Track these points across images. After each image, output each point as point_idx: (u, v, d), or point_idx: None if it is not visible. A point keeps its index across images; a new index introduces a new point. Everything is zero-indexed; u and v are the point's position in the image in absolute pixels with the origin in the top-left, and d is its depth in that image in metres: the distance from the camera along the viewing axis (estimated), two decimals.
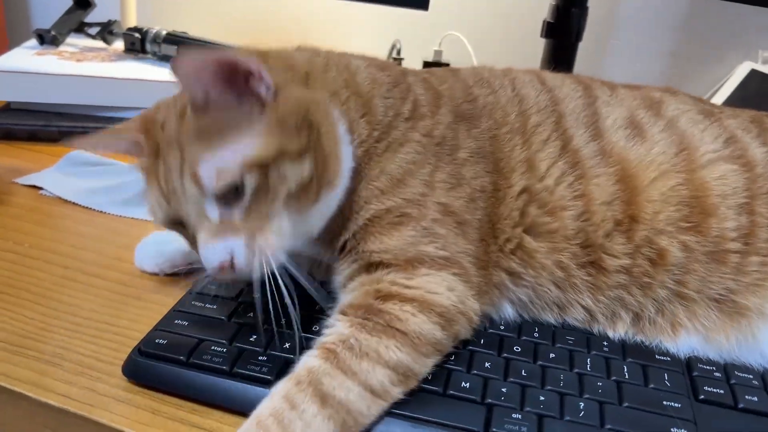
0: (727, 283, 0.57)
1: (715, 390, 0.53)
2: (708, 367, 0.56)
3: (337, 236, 0.57)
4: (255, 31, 1.35)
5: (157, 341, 0.53)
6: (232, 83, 0.50)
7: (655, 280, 0.58)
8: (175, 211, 0.53)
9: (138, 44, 1.12)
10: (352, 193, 0.56)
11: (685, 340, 0.58)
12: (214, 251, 0.50)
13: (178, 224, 0.54)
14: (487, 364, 0.54)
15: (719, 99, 1.11)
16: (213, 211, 0.50)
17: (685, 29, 1.20)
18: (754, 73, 1.10)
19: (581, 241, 0.58)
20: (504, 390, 0.51)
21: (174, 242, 0.63)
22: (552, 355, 0.55)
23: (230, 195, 0.50)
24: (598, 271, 0.58)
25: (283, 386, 0.47)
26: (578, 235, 0.58)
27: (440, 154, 0.58)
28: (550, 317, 0.60)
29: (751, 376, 0.55)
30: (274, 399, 0.46)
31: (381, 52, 1.28)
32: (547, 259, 0.58)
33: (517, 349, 0.56)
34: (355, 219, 0.56)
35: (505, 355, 0.55)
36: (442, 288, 0.53)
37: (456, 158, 0.58)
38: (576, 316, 0.60)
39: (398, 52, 1.26)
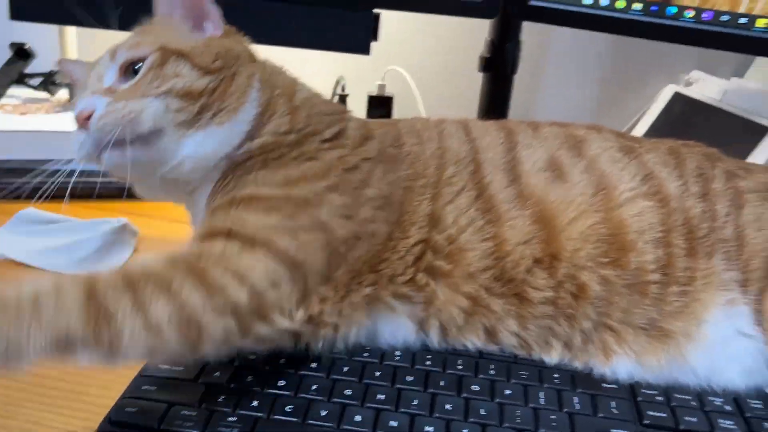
0: (649, 313, 0.61)
1: (658, 414, 0.58)
2: (651, 392, 0.60)
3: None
4: None
5: (126, 409, 0.54)
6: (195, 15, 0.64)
7: (578, 312, 0.61)
8: (86, 84, 0.61)
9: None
10: (234, 168, 0.60)
11: (619, 365, 0.62)
12: (80, 102, 0.57)
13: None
14: (448, 406, 0.57)
15: (647, 121, 1.18)
16: (108, 79, 0.59)
17: (612, 56, 1.27)
18: (677, 96, 1.17)
19: (496, 276, 0.61)
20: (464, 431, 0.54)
21: None
22: (508, 392, 0.59)
23: (130, 74, 0.59)
24: (522, 302, 0.62)
25: (64, 276, 0.49)
26: (489, 270, 0.61)
27: (346, 181, 0.61)
28: (478, 342, 0.63)
29: (689, 398, 0.60)
30: (45, 283, 0.48)
31: (326, 89, 1.31)
32: (443, 292, 0.61)
33: (475, 387, 0.59)
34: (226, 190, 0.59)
35: (464, 395, 0.58)
36: (261, 272, 0.53)
37: (361, 194, 0.61)
38: (509, 342, 0.63)
39: (342, 89, 1.29)
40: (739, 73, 1.19)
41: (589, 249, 0.62)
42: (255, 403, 0.55)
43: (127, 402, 0.55)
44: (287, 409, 0.54)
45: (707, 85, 1.15)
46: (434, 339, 0.64)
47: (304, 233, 0.57)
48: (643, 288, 0.61)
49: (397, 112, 1.34)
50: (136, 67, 0.59)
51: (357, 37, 0.96)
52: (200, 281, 0.50)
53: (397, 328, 0.63)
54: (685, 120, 1.13)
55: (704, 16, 0.82)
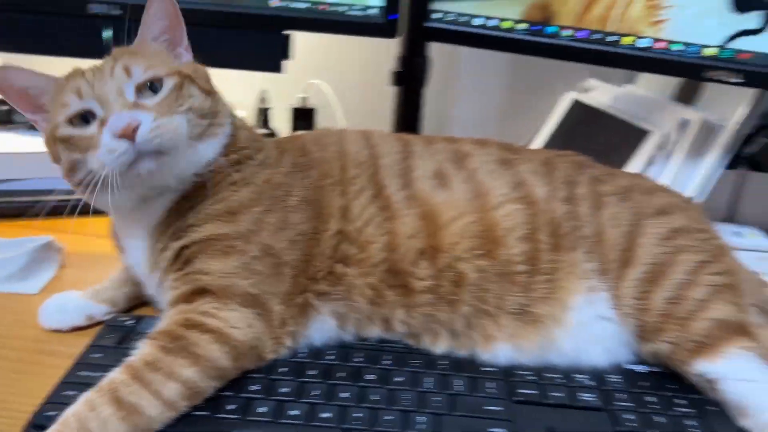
0: (519, 299, 0.71)
1: (528, 391, 0.66)
2: (524, 372, 0.69)
3: (179, 223, 0.68)
4: None
5: (47, 414, 0.59)
6: (174, 39, 0.72)
7: (458, 298, 0.70)
8: (96, 94, 0.65)
9: (4, 115, 1.15)
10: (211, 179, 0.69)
11: (498, 350, 0.71)
12: (121, 117, 0.62)
13: (83, 118, 0.65)
14: (346, 394, 0.64)
15: (550, 126, 1.27)
16: (130, 94, 0.65)
17: (518, 66, 1.36)
18: (576, 103, 1.27)
19: (388, 268, 0.71)
20: (355, 415, 0.61)
21: (75, 299, 0.76)
22: (400, 378, 0.66)
23: (147, 91, 0.66)
24: (407, 292, 0.71)
25: (86, 394, 0.58)
26: (385, 262, 0.71)
27: (274, 198, 0.70)
28: (377, 332, 0.72)
29: (558, 375, 0.69)
30: (78, 404, 0.57)
31: (249, 102, 1.37)
32: (355, 281, 0.70)
33: (371, 377, 0.67)
34: (196, 216, 0.68)
35: (360, 383, 0.66)
36: (243, 324, 0.64)
37: (287, 204, 0.71)
38: (400, 330, 0.72)
39: (264, 102, 1.35)
40: (631, 80, 1.29)
41: (466, 243, 0.71)
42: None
43: (49, 407, 0.60)
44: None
45: (601, 92, 1.26)
46: (351, 333, 0.72)
47: (257, 263, 0.67)
48: (512, 277, 0.71)
49: (320, 123, 1.40)
50: (153, 86, 0.67)
51: (269, 56, 1.03)
52: (192, 360, 0.60)
53: (322, 328, 0.71)
54: (582, 125, 1.23)
55: (579, 34, 0.92)
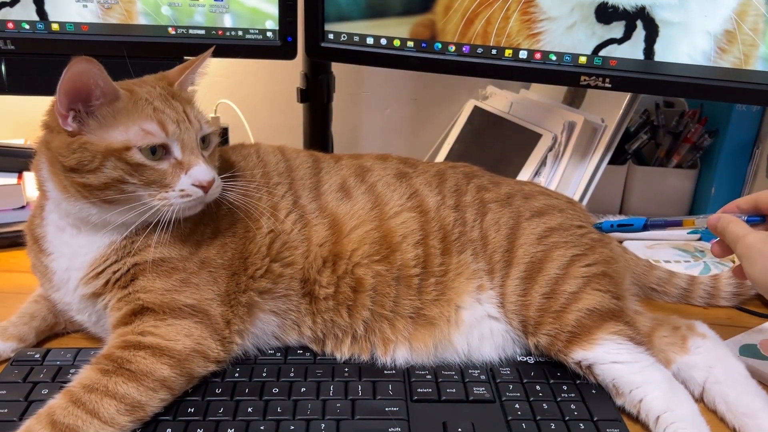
0: (414, 303, 0.76)
1: (425, 390, 0.71)
2: (422, 372, 0.73)
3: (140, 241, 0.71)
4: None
5: None
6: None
7: (357, 303, 0.75)
8: (182, 138, 0.70)
9: None
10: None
11: (397, 353, 0.75)
12: (206, 171, 0.70)
13: (152, 150, 0.68)
14: (249, 409, 0.67)
15: (455, 132, 1.33)
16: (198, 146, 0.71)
17: (421, 77, 1.42)
18: (476, 109, 1.34)
19: (301, 276, 0.75)
20: (261, 428, 0.64)
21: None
22: (303, 389, 0.70)
23: (202, 143, 0.73)
24: (312, 300, 0.75)
25: (26, 422, 0.60)
26: (301, 270, 0.75)
27: (207, 210, 0.74)
28: (293, 338, 0.77)
29: (452, 373, 0.73)
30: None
31: None
32: (290, 281, 0.75)
33: (275, 390, 0.70)
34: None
35: (266, 397, 0.69)
36: (181, 335, 0.68)
37: (217, 213, 0.75)
38: (308, 335, 0.76)
39: None
40: (527, 86, 1.37)
41: (365, 249, 0.76)
42: None
43: None
44: None
45: (499, 98, 1.33)
46: (292, 331, 0.77)
47: (194, 277, 0.71)
48: (407, 281, 0.76)
49: (232, 140, 1.42)
50: (205, 140, 0.74)
51: None
52: (128, 375, 0.63)
53: (266, 326, 0.76)
54: (482, 130, 1.29)
55: (464, 49, 0.98)
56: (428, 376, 0.73)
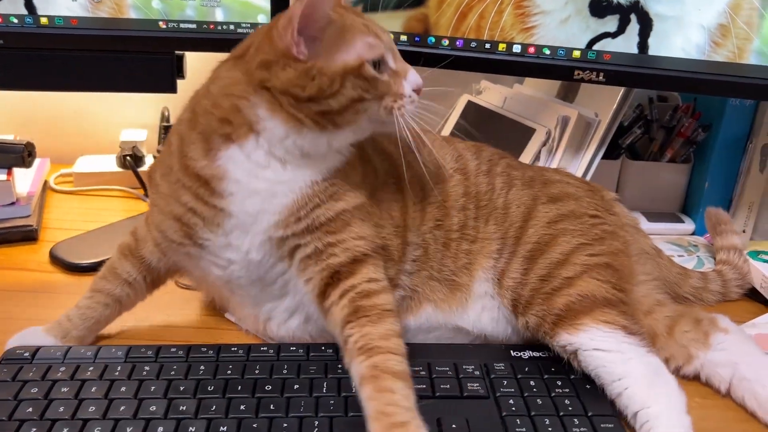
0: (450, 267, 0.78)
1: (419, 386, 0.69)
2: (416, 369, 0.72)
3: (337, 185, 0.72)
4: (31, 123, 1.37)
5: None
6: None
7: (423, 267, 0.78)
8: (391, 48, 0.71)
9: None
10: None
11: (424, 310, 0.78)
12: (417, 76, 0.73)
13: (379, 63, 0.69)
14: (242, 407, 0.66)
15: (448, 128, 1.33)
16: None
17: (417, 70, 1.41)
18: (470, 104, 1.33)
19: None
20: (254, 425, 0.64)
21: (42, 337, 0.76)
22: (297, 387, 0.69)
23: None
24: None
25: (370, 387, 0.61)
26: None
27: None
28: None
29: (446, 368, 0.73)
30: (374, 397, 0.60)
31: (153, 120, 1.37)
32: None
33: (268, 387, 0.69)
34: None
35: (258, 395, 0.68)
36: (382, 274, 0.71)
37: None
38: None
39: (167, 119, 1.35)
40: (521, 81, 1.36)
41: (434, 212, 0.79)
42: None
43: None
44: None
45: (493, 93, 1.32)
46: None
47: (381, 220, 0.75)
48: (449, 245, 0.79)
49: None
50: None
51: (163, 77, 1.03)
52: (393, 317, 0.70)
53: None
54: (476, 125, 1.29)
55: (458, 43, 0.97)
56: (422, 372, 0.72)
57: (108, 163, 1.28)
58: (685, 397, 0.67)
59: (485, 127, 1.26)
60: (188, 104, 0.76)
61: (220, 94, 0.70)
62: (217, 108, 0.70)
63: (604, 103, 1.10)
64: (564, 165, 1.10)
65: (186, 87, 1.08)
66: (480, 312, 0.79)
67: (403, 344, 0.66)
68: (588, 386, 0.71)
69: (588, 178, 1.08)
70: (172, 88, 1.04)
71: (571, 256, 0.76)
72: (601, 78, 0.94)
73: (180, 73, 1.06)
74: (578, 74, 0.95)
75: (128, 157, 1.24)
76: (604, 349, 0.69)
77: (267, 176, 0.70)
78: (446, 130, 1.32)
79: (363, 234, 0.71)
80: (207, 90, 0.73)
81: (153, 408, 0.65)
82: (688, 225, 1.16)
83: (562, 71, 0.96)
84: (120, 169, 1.27)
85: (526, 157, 1.13)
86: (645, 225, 1.13)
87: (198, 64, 1.29)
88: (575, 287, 0.73)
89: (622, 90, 1.07)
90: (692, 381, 0.76)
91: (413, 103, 0.71)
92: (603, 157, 1.10)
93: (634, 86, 1.03)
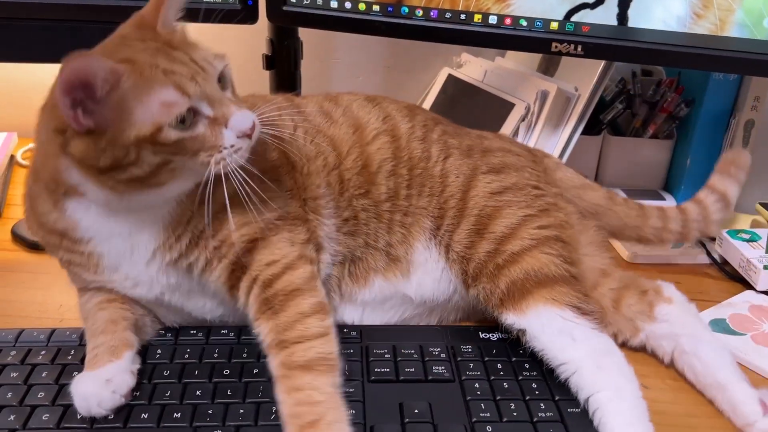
0: (386, 239, 0.76)
1: (383, 369, 0.68)
2: (381, 351, 0.71)
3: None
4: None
5: None
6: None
7: (356, 233, 0.75)
8: (205, 92, 0.60)
9: None
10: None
11: (373, 281, 0.76)
12: (246, 116, 0.62)
13: (187, 117, 0.59)
14: (198, 392, 0.64)
15: (428, 102, 1.29)
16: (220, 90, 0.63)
17: (394, 43, 1.37)
18: (450, 77, 1.30)
19: (333, 203, 0.75)
20: (209, 411, 0.62)
21: (109, 372, 0.63)
22: (256, 371, 0.67)
23: (219, 83, 0.63)
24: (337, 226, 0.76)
25: (280, 388, 0.59)
26: (331, 197, 0.75)
27: None
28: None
29: (412, 351, 0.71)
30: (285, 399, 0.58)
31: None
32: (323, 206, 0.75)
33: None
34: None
35: (216, 379, 0.66)
36: (288, 245, 0.67)
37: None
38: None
39: None
40: (502, 54, 1.33)
41: (354, 180, 0.76)
42: None
43: None
44: None
45: (473, 66, 1.29)
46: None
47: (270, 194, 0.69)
48: (381, 216, 0.76)
49: None
50: (222, 77, 0.64)
51: None
52: (301, 294, 0.66)
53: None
54: (456, 99, 1.25)
55: (432, 14, 0.93)
56: (387, 355, 0.70)
57: None
58: (635, 382, 0.65)
59: (465, 102, 1.23)
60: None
61: (41, 148, 0.64)
62: (44, 166, 0.64)
63: (585, 77, 1.07)
64: (543, 140, 1.07)
65: None
66: (421, 278, 0.77)
67: (319, 321, 0.63)
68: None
69: (567, 153, 1.06)
70: None
71: (518, 230, 0.73)
72: (579, 51, 0.90)
73: None
74: (556, 47, 0.91)
75: None
76: (552, 332, 0.67)
77: (120, 220, 0.65)
78: (426, 105, 1.29)
79: (244, 221, 0.65)
80: (37, 136, 0.65)
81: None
82: (670, 202, 1.14)
83: (540, 44, 0.92)
84: None
85: (504, 132, 1.10)
86: None
87: None
88: (522, 263, 0.71)
89: (602, 64, 1.03)
90: (663, 363, 0.75)
91: (239, 150, 0.62)
92: (584, 133, 1.07)
93: (613, 59, 1.00)
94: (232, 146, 0.62)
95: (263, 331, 0.64)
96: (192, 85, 0.60)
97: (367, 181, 0.75)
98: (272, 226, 0.67)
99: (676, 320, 0.74)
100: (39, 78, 1.31)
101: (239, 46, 1.32)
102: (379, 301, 0.77)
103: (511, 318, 0.69)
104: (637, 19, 0.89)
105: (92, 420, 0.61)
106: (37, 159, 0.67)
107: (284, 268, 0.66)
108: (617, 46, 0.90)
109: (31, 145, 1.22)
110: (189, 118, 0.59)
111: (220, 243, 0.66)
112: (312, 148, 0.75)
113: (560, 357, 0.66)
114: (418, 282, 0.76)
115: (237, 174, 0.62)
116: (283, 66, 1.20)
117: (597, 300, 0.75)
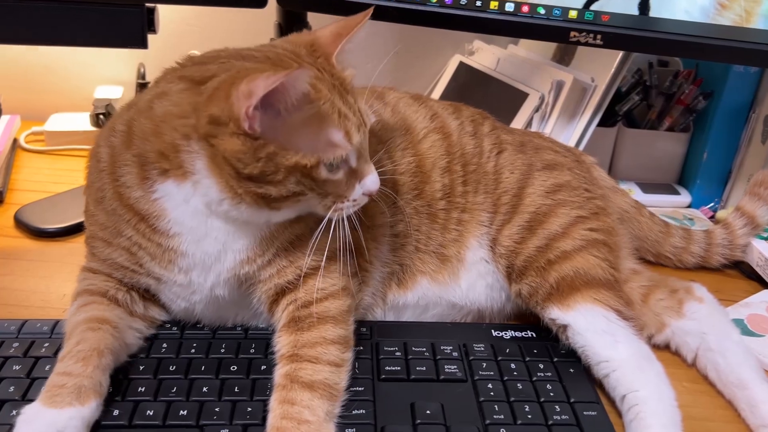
0: (438, 239, 0.75)
1: (394, 368, 0.66)
2: (391, 349, 0.69)
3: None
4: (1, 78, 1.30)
5: None
6: None
7: (408, 239, 0.74)
8: (360, 146, 0.62)
9: None
10: None
11: (419, 284, 0.74)
12: (376, 179, 0.64)
13: (337, 162, 0.60)
14: (205, 389, 0.62)
15: (439, 90, 1.27)
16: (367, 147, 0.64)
17: (406, 30, 1.34)
18: (462, 65, 1.27)
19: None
20: (216, 409, 0.60)
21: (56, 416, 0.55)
22: (263, 367, 0.65)
23: None
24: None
25: (275, 396, 0.57)
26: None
27: None
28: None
29: (423, 349, 0.69)
30: (275, 408, 0.56)
31: (129, 77, 1.30)
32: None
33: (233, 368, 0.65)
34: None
35: (222, 376, 0.64)
36: (338, 275, 0.66)
37: None
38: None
39: (143, 76, 1.29)
40: (516, 41, 1.30)
41: (408, 182, 0.74)
42: None
43: None
44: None
45: (486, 54, 1.26)
46: None
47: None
48: (435, 216, 0.75)
49: None
50: None
51: (132, 31, 0.96)
52: (332, 322, 0.65)
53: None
54: (467, 88, 1.23)
55: (446, 0, 0.91)
56: (398, 353, 0.69)
57: (82, 122, 1.22)
58: (673, 391, 0.64)
59: (476, 90, 1.20)
60: (124, 111, 0.66)
61: (162, 121, 0.59)
62: (157, 136, 0.59)
63: (601, 68, 1.04)
64: (557, 132, 1.04)
65: (159, 43, 1.03)
66: (474, 280, 0.75)
67: (339, 352, 0.61)
68: (571, 370, 0.68)
69: (582, 146, 1.03)
70: (142, 44, 0.98)
71: (570, 229, 0.73)
72: (598, 41, 0.88)
73: (151, 27, 0.99)
74: (574, 36, 0.89)
75: (101, 116, 1.18)
76: (595, 330, 0.67)
77: (214, 224, 0.62)
78: (436, 93, 1.27)
79: (315, 250, 0.64)
80: (150, 106, 0.61)
81: None
82: (685, 197, 1.11)
83: (558, 33, 0.90)
84: (94, 129, 1.21)
85: (517, 123, 1.08)
86: (639, 196, 1.08)
87: (173, 15, 1.24)
88: (573, 261, 0.71)
89: (620, 54, 1.01)
90: (682, 365, 0.74)
91: (356, 206, 0.64)
92: (598, 125, 1.05)
93: (633, 50, 0.97)
94: (354, 200, 0.63)
95: (282, 342, 0.62)
96: (357, 136, 0.60)
97: (421, 182, 0.74)
98: (331, 255, 0.66)
99: (705, 319, 0.73)
100: (40, 61, 1.30)
101: (247, 30, 1.29)
102: (422, 306, 0.76)
103: (555, 312, 0.69)
104: (659, 8, 0.86)
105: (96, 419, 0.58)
106: (142, 123, 0.60)
107: (327, 296, 0.65)
108: (638, 36, 0.87)
109: (35, 128, 1.21)
110: (338, 164, 0.60)
111: (288, 263, 0.65)
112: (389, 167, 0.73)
113: (602, 354, 0.66)
114: (469, 285, 0.75)
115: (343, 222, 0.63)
116: None
117: (627, 294, 0.74)
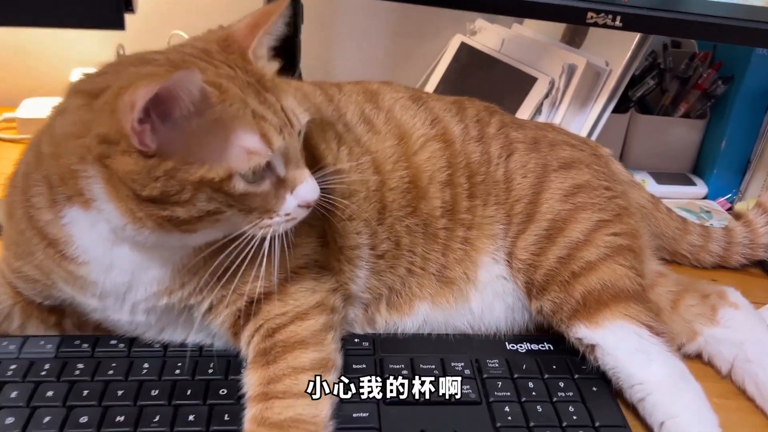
0: (440, 261, 0.68)
1: (401, 389, 0.60)
2: (397, 367, 0.62)
3: None
4: None
5: None
6: None
7: (397, 263, 0.67)
8: (286, 150, 0.53)
9: None
10: None
11: (418, 309, 0.67)
12: (314, 187, 0.55)
13: (258, 171, 0.52)
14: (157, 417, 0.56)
15: (439, 72, 1.19)
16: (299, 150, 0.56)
17: (403, 9, 1.26)
18: (463, 46, 1.20)
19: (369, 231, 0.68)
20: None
21: None
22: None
23: None
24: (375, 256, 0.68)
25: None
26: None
27: None
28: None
29: (432, 366, 0.63)
30: None
31: (107, 58, 1.22)
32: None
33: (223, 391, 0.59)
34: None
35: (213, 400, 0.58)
36: (307, 294, 0.59)
37: None
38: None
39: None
40: (520, 20, 1.22)
41: (399, 199, 0.67)
42: None
43: None
44: None
45: (489, 34, 1.18)
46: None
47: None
48: (435, 235, 0.68)
49: None
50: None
51: (107, 12, 0.88)
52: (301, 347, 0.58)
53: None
54: (469, 70, 1.15)
55: None
56: (404, 371, 0.62)
57: None
58: (715, 415, 0.59)
59: (480, 74, 1.13)
60: (43, 125, 0.57)
61: (60, 142, 0.52)
62: (56, 159, 0.52)
63: (615, 50, 0.98)
64: (568, 120, 0.98)
65: (138, 24, 0.95)
66: (491, 301, 0.69)
67: (309, 377, 0.54)
68: (594, 388, 0.63)
69: (594, 136, 0.97)
70: (118, 24, 0.90)
71: (593, 236, 0.67)
72: (618, 23, 0.81)
73: (129, 6, 0.91)
74: (592, 17, 0.82)
75: None
76: (627, 350, 0.61)
77: (120, 253, 0.55)
78: (436, 75, 1.19)
79: (260, 274, 0.56)
80: (52, 125, 0.54)
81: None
82: (701, 188, 1.05)
83: (574, 13, 0.83)
84: None
85: (525, 110, 1.01)
86: (652, 187, 1.02)
87: None
88: (599, 272, 0.64)
89: (637, 36, 0.94)
90: (713, 377, 0.69)
91: (291, 221, 0.55)
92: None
93: (655, 33, 0.90)
94: (287, 215, 0.54)
95: (249, 381, 0.55)
96: (278, 139, 0.52)
97: (415, 198, 0.67)
98: (292, 275, 0.59)
99: (741, 326, 0.68)
100: (11, 42, 1.21)
101: (235, 9, 1.21)
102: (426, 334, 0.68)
103: (583, 331, 0.63)
104: None
105: (98, 424, 0.54)
106: (46, 143, 0.54)
107: (293, 318, 0.58)
108: (660, 17, 0.81)
109: (7, 114, 1.13)
110: (260, 173, 0.52)
111: (228, 292, 0.57)
112: (355, 178, 0.65)
113: (636, 376, 0.60)
114: (483, 307, 0.68)
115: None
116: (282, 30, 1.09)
117: (653, 300, 0.68)
